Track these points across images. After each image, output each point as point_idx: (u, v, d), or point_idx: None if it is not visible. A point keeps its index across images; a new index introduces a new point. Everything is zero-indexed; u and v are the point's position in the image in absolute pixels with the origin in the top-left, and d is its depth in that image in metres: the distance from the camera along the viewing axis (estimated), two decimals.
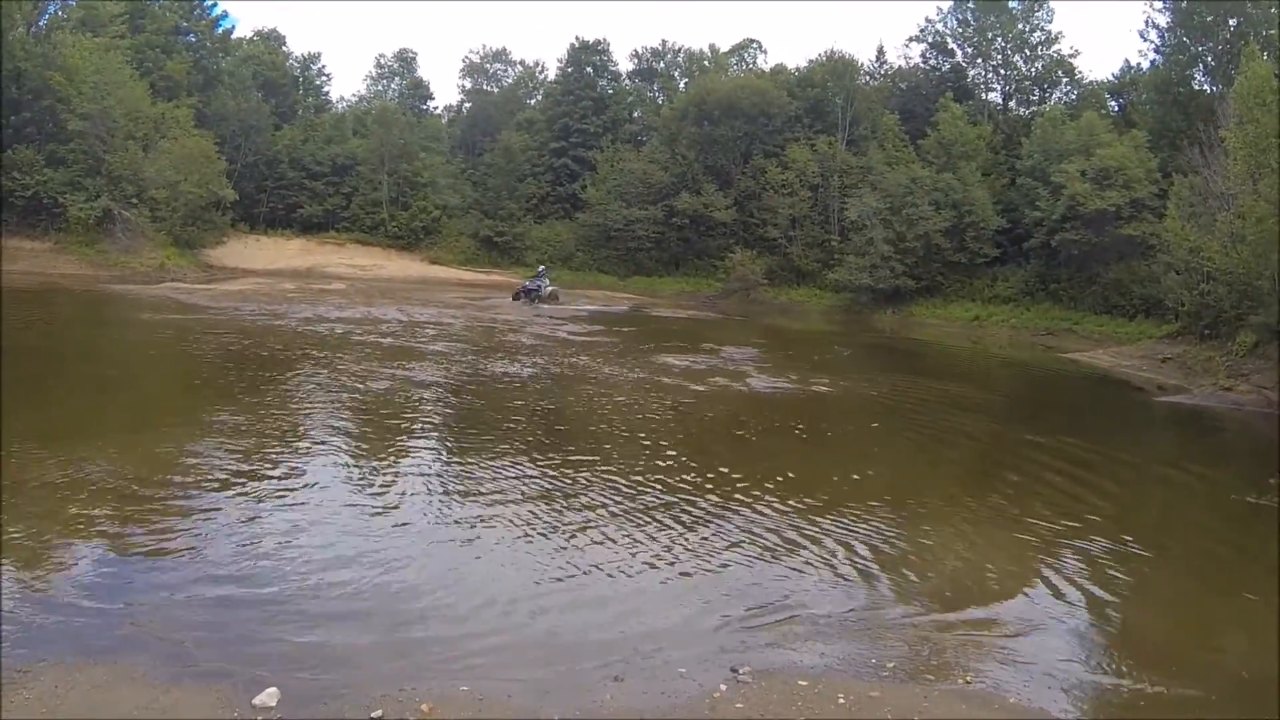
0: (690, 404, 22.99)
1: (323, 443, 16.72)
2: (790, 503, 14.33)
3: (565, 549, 11.60)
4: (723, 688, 8.17)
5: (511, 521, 12.54)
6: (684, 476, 15.58)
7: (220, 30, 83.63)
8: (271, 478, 13.99)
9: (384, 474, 14.91)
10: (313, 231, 75.80)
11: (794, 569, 11.47)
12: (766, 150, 72.68)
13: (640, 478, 15.30)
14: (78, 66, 59.05)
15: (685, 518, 13.25)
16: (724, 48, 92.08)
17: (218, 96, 74.45)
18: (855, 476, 16.90)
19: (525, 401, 22.34)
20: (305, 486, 13.66)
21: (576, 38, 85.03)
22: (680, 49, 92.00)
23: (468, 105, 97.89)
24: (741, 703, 7.94)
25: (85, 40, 61.67)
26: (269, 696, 7.40)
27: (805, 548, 12.26)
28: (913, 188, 62.77)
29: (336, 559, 10.69)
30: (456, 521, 12.50)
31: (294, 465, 14.89)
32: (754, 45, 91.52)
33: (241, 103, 74.89)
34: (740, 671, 8.49)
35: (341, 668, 8.21)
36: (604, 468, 15.76)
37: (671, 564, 11.39)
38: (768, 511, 13.78)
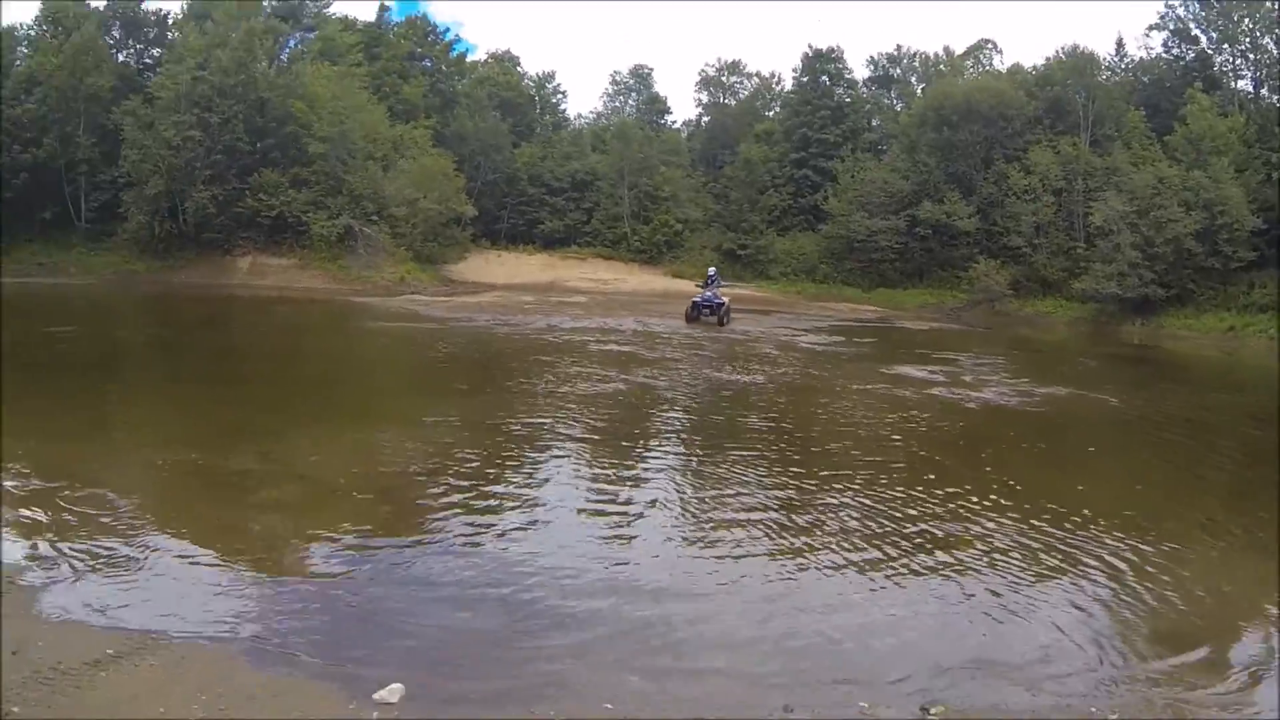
0: (930, 418, 22.11)
1: (553, 445, 17.20)
2: (1023, 525, 13.07)
3: (770, 571, 10.96)
4: None
5: (715, 539, 12.11)
6: (914, 495, 14.57)
7: (455, 54, 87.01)
8: (466, 475, 14.25)
9: (621, 482, 15.01)
10: (554, 247, 78.29)
11: (1014, 599, 10.37)
12: (1007, 154, 70.47)
13: (868, 495, 14.49)
14: (318, 94, 63.10)
15: (905, 540, 12.27)
16: (959, 50, 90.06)
17: (456, 117, 77.77)
18: (1098, 495, 15.54)
19: (760, 412, 22.25)
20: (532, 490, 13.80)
21: (810, 46, 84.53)
22: (915, 53, 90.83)
23: (705, 118, 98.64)
24: None
25: (324, 69, 66.11)
26: (391, 692, 7.42)
27: (1031, 576, 11.11)
28: (1160, 188, 59.13)
29: (483, 562, 10.78)
30: (646, 532, 12.32)
31: (501, 467, 15.20)
32: (989, 45, 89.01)
33: (479, 122, 77.70)
34: (931, 711, 7.68)
35: (476, 673, 8.08)
36: (826, 484, 15.11)
37: (877, 589, 10.53)
38: (997, 535, 12.61)
